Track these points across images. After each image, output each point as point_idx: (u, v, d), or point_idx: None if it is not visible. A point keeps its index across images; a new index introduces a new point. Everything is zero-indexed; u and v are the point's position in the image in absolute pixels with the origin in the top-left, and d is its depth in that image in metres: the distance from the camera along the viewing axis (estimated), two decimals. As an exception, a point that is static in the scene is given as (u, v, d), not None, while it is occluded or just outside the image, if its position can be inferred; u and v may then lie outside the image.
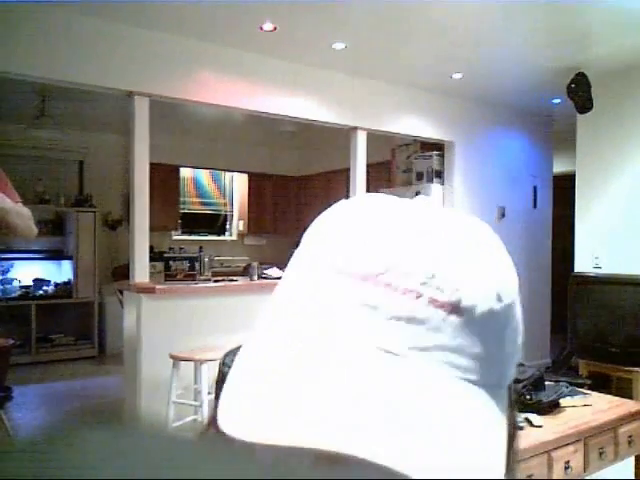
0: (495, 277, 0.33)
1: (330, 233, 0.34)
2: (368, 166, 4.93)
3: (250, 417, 0.28)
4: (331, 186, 7.20)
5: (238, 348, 0.75)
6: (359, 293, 0.31)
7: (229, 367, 0.74)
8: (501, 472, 0.29)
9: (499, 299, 0.33)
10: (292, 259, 0.36)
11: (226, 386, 0.31)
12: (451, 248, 0.33)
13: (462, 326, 0.31)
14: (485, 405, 0.31)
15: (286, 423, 0.27)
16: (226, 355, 0.87)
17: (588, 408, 2.65)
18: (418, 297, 0.31)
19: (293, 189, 8.00)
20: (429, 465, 0.27)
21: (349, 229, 0.34)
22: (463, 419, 0.29)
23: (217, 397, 0.60)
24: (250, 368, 0.32)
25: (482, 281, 0.32)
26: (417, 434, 0.27)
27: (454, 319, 0.31)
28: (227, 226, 8.09)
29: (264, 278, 4.62)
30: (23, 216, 1.93)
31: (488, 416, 0.31)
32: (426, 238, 0.33)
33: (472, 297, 0.32)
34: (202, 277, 4.31)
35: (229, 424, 0.28)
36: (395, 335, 0.30)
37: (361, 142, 4.88)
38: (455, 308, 0.31)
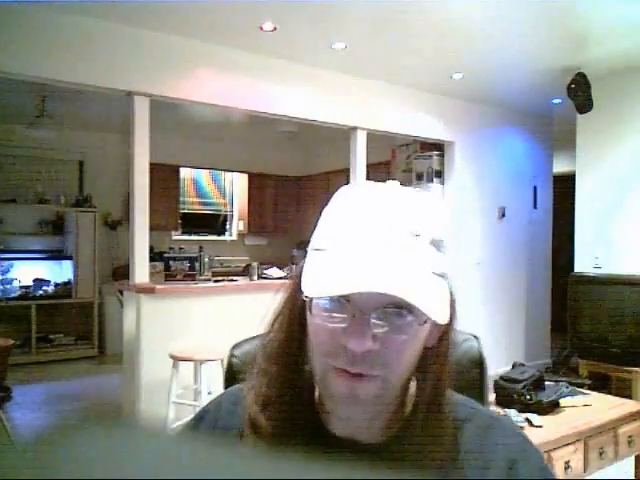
0: (442, 226, 0.65)
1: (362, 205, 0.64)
2: (368, 166, 4.92)
3: (327, 280, 0.59)
4: (331, 186, 7.19)
5: (246, 340, 1.03)
6: (389, 233, 0.61)
7: (237, 359, 1.00)
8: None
9: (443, 239, 0.65)
10: (322, 223, 0.67)
11: (306, 268, 0.64)
12: (427, 211, 0.65)
13: (435, 248, 0.63)
14: (444, 282, 0.63)
15: (350, 278, 0.58)
16: (234, 347, 0.95)
17: (588, 408, 2.65)
18: (417, 236, 0.62)
19: (293, 189, 8.00)
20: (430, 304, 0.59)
21: (370, 203, 0.64)
22: (441, 287, 0.62)
23: (226, 389, 0.92)
24: (324, 255, 0.63)
25: (440, 229, 0.64)
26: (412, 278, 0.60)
27: (433, 247, 0.63)
28: (227, 226, 8.08)
29: (264, 278, 4.62)
30: None
31: (446, 288, 0.63)
32: (420, 206, 0.65)
33: (438, 236, 0.63)
34: (202, 277, 4.31)
35: (310, 289, 0.60)
36: (413, 249, 0.61)
37: (361, 142, 4.88)
38: (433, 241, 0.63)
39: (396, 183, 0.68)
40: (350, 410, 0.64)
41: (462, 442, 0.66)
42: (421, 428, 0.65)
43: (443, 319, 0.60)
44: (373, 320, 0.60)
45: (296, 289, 0.66)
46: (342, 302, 0.60)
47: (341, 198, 0.67)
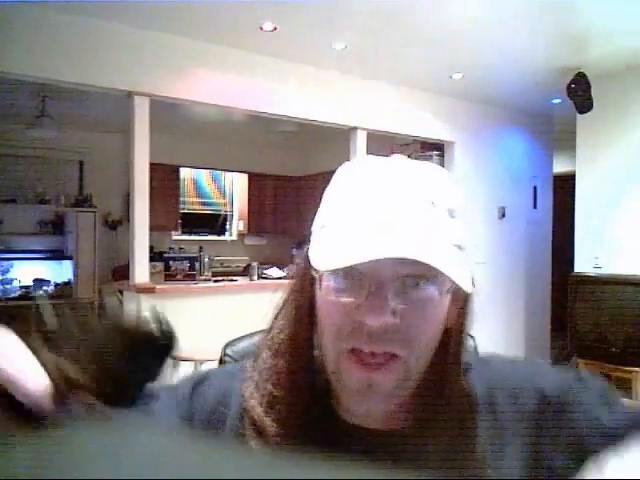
0: (459, 196, 0.63)
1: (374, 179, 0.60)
2: (368, 166, 4.92)
3: (342, 248, 0.54)
4: (331, 186, 7.18)
5: (239, 339, 0.97)
6: (403, 200, 0.57)
7: (231, 358, 0.94)
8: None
9: (459, 209, 0.62)
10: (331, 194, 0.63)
11: (313, 244, 0.59)
12: (442, 182, 0.61)
13: (452, 218, 0.59)
14: (463, 255, 0.58)
15: (373, 244, 0.53)
16: (227, 346, 0.93)
17: (588, 408, 2.64)
18: (433, 204, 0.57)
19: (293, 189, 8.00)
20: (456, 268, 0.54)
21: (385, 176, 0.60)
22: (461, 259, 0.57)
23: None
24: (338, 225, 0.58)
25: (458, 200, 0.62)
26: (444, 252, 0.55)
27: (450, 217, 0.59)
28: (227, 226, 8.08)
29: (264, 278, 4.63)
30: None
31: (466, 261, 0.59)
32: (434, 177, 0.61)
33: (456, 206, 0.60)
34: (202, 277, 4.32)
35: (320, 262, 0.56)
36: (430, 216, 0.57)
37: (361, 142, 4.88)
38: (449, 211, 0.59)
39: (402, 156, 0.64)
40: (366, 404, 0.58)
41: (479, 397, 0.63)
42: (443, 406, 0.61)
43: (467, 287, 0.55)
44: (391, 294, 0.55)
45: (303, 273, 0.62)
46: (355, 275, 0.55)
47: (346, 172, 0.62)
